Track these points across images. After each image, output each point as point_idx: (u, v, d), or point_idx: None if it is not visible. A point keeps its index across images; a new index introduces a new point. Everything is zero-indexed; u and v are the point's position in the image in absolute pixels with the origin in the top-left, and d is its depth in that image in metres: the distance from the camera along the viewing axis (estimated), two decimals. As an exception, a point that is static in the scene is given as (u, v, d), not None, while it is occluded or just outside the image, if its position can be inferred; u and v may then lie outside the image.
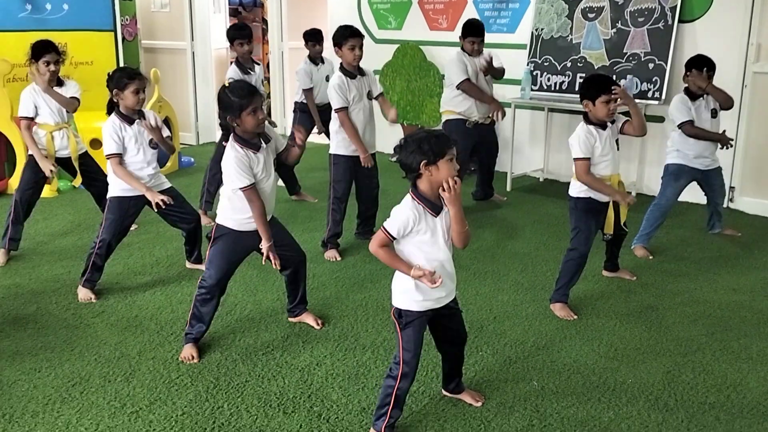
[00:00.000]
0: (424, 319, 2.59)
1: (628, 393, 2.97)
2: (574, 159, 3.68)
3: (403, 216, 2.49)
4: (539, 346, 3.39)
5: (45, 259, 4.49)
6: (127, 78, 3.77)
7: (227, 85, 3.15)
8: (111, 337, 3.44)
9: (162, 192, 3.90)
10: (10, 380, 3.03)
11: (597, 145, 3.66)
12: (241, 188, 3.13)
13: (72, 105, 4.51)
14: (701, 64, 4.51)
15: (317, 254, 4.59)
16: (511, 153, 6.39)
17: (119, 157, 3.82)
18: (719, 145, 4.61)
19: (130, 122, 3.85)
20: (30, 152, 4.47)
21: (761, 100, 5.51)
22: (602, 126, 3.67)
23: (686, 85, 4.59)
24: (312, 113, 6.06)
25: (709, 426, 2.74)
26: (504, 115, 5.42)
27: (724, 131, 4.64)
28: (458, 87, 5.30)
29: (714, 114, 4.61)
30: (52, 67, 4.39)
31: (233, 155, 3.12)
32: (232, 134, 3.16)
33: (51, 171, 4.39)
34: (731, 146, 4.70)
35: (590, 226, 3.76)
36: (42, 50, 4.39)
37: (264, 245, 3.22)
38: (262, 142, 3.20)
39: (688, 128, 4.53)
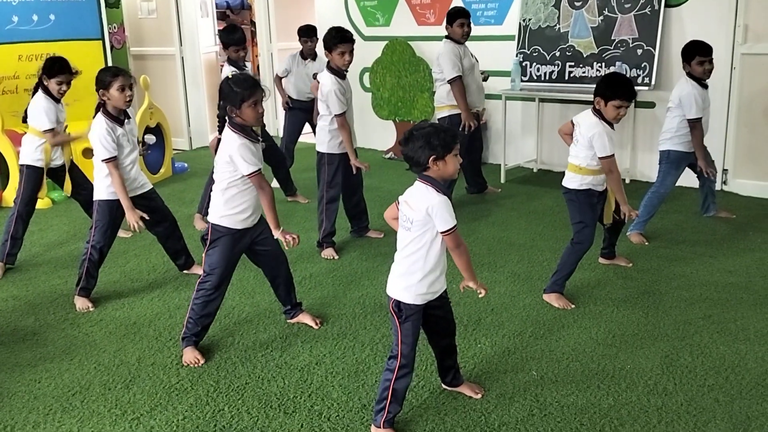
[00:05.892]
0: (421, 312, 2.61)
1: (627, 379, 2.98)
2: (605, 157, 3.58)
3: (448, 204, 2.48)
4: (537, 335, 3.40)
5: (41, 270, 4.49)
6: (110, 76, 3.72)
7: (230, 77, 3.13)
8: (110, 345, 3.44)
9: (144, 194, 3.94)
10: (10, 392, 3.03)
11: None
12: (250, 174, 3.07)
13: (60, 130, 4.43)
14: (706, 51, 4.43)
15: (313, 254, 4.59)
16: (504, 145, 6.39)
17: (116, 161, 3.74)
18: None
19: (120, 123, 3.80)
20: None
21: (750, 82, 5.51)
22: (611, 125, 3.66)
23: (689, 71, 4.48)
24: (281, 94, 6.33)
25: (708, 408, 2.75)
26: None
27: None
28: (449, 81, 5.24)
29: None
30: (64, 87, 4.33)
31: (239, 143, 3.06)
32: (229, 124, 3.13)
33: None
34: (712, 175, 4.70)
35: (594, 218, 3.76)
36: (57, 69, 4.28)
37: (276, 233, 3.20)
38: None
39: (695, 125, 4.48)
